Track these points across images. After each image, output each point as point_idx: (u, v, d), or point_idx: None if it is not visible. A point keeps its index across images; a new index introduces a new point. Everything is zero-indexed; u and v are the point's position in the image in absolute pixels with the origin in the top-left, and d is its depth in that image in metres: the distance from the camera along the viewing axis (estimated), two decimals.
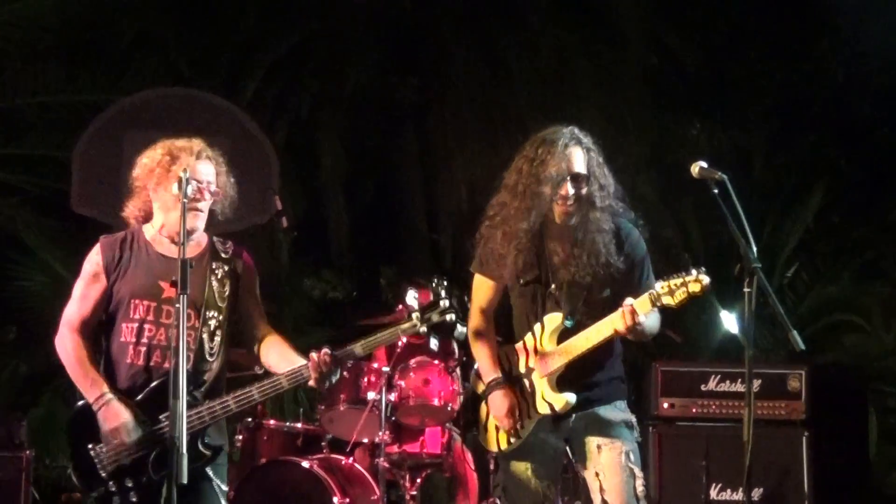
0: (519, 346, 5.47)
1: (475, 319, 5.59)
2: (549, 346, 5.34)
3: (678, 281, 5.05)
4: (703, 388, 7.96)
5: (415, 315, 4.96)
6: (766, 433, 7.36)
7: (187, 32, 12.29)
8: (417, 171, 12.90)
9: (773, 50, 12.76)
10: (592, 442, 5.34)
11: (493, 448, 5.52)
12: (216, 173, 5.22)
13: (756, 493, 7.60)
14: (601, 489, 5.29)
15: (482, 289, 5.57)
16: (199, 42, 12.32)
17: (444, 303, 4.94)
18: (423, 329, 4.96)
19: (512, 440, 5.41)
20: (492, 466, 8.39)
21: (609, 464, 5.30)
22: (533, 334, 5.40)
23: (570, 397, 5.27)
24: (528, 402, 5.38)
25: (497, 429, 5.46)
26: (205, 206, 5.14)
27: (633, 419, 5.48)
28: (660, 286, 5.07)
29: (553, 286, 5.35)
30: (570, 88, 12.53)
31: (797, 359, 8.07)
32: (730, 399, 7.88)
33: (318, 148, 12.63)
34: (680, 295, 5.05)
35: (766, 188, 12.37)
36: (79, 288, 5.21)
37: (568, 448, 5.50)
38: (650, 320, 5.21)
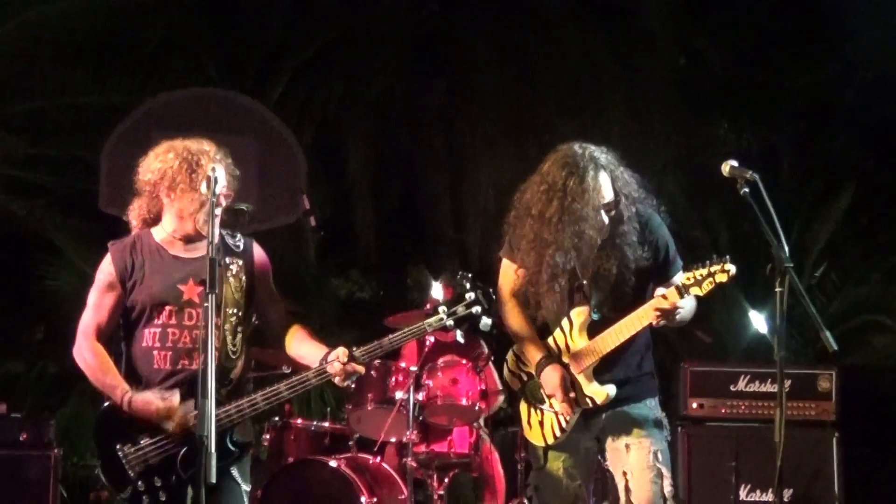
0: (549, 340, 5.45)
1: (508, 305, 5.57)
2: (579, 341, 5.35)
3: (703, 272, 5.09)
4: (732, 388, 7.93)
5: (441, 309, 4.95)
6: (796, 434, 7.31)
7: (215, 35, 12.31)
8: (444, 172, 12.89)
9: (801, 50, 12.71)
10: (621, 441, 5.35)
11: (539, 442, 5.49)
12: (229, 181, 5.19)
13: (786, 494, 7.58)
14: (627, 488, 5.31)
15: (508, 273, 5.58)
16: (226, 44, 12.34)
17: (470, 295, 4.92)
18: (450, 322, 4.93)
19: (558, 434, 5.40)
20: (520, 467, 8.40)
21: (637, 463, 5.31)
22: (562, 330, 5.40)
23: (611, 389, 5.30)
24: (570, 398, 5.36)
25: (542, 423, 5.46)
26: (220, 210, 5.07)
27: (664, 418, 5.49)
28: (685, 277, 5.09)
29: (581, 276, 5.35)
30: (597, 90, 12.50)
31: (826, 359, 8.04)
32: (759, 400, 7.85)
33: (346, 149, 12.64)
34: (707, 286, 5.09)
35: (794, 189, 12.31)
36: (93, 297, 5.22)
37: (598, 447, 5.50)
38: (687, 304, 5.21)
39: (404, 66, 12.75)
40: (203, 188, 5.02)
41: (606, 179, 5.29)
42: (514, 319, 5.55)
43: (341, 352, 4.99)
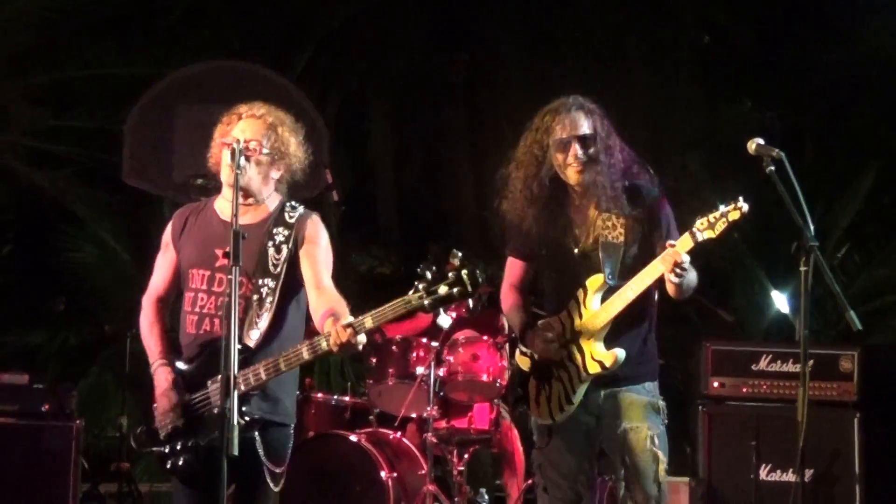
0: (563, 314, 5.40)
1: (507, 294, 5.64)
2: (593, 306, 5.31)
3: (717, 213, 5.02)
4: (753, 367, 7.89)
5: (421, 286, 4.62)
6: (818, 414, 7.25)
7: (238, 6, 12.30)
8: (466, 147, 12.88)
9: (825, 28, 12.63)
10: (619, 425, 5.32)
11: (547, 419, 5.44)
12: (267, 134, 5.11)
13: (806, 475, 7.56)
14: (625, 471, 5.31)
15: (512, 268, 5.64)
16: (249, 16, 12.33)
17: (452, 275, 4.60)
18: (428, 302, 4.60)
19: (565, 406, 5.35)
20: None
21: (633, 447, 5.30)
22: (576, 300, 5.35)
23: (620, 353, 5.24)
24: (578, 366, 5.32)
25: (549, 399, 5.42)
26: (248, 164, 4.98)
27: (661, 402, 5.44)
28: (698, 222, 5.03)
29: (577, 249, 5.36)
30: (621, 66, 12.47)
31: (848, 340, 8.01)
32: (781, 379, 7.81)
33: (368, 123, 12.63)
34: (720, 226, 5.02)
35: (817, 169, 12.26)
36: (157, 259, 5.31)
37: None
38: (690, 272, 5.15)
39: (427, 39, 12.74)
40: (227, 157, 5.00)
41: (584, 116, 5.34)
42: (507, 304, 5.64)
43: (341, 325, 4.78)
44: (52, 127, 11.26)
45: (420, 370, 8.09)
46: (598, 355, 5.28)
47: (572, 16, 12.61)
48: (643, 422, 5.31)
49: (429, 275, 4.63)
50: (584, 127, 5.32)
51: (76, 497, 7.86)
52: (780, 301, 10.69)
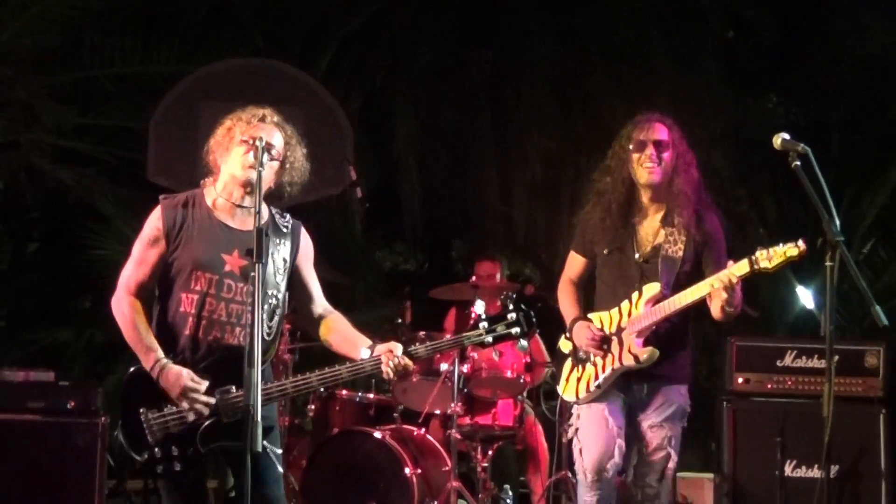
0: (614, 311, 5.84)
1: (564, 286, 6.14)
2: (642, 309, 5.73)
3: (777, 248, 5.34)
4: (778, 363, 7.87)
5: (482, 325, 5.02)
6: (843, 410, 7.19)
7: (262, 4, 12.31)
8: (491, 144, 12.84)
9: (851, 23, 12.57)
10: (645, 422, 5.83)
11: (571, 397, 5.93)
12: (283, 141, 5.16)
13: (832, 471, 7.52)
14: (639, 460, 5.86)
15: (573, 263, 6.13)
16: (274, 14, 12.34)
17: (511, 316, 5.01)
18: (489, 339, 5.02)
19: (591, 388, 5.80)
20: (564, 439, 8.40)
21: (652, 443, 5.82)
22: (630, 301, 5.78)
23: (654, 351, 5.70)
24: (614, 355, 5.76)
25: (579, 379, 5.86)
26: (266, 166, 5.01)
27: (689, 406, 5.93)
28: (758, 253, 5.37)
29: (637, 255, 5.81)
30: (646, 62, 12.42)
31: (873, 335, 7.98)
32: (806, 375, 7.79)
33: (393, 120, 12.62)
34: (777, 259, 5.32)
35: (844, 164, 12.20)
36: (137, 250, 5.17)
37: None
38: (736, 296, 5.57)
39: (452, 36, 12.70)
40: (250, 157, 5.01)
41: (663, 127, 5.86)
42: (562, 296, 6.12)
43: (394, 346, 5.00)
44: (77, 125, 11.27)
45: (444, 367, 8.12)
46: (635, 350, 5.70)
47: (597, 13, 12.57)
48: (667, 422, 5.81)
49: (482, 310, 5.21)
50: (662, 134, 5.82)
51: (102, 493, 7.88)
52: (806, 297, 10.64)
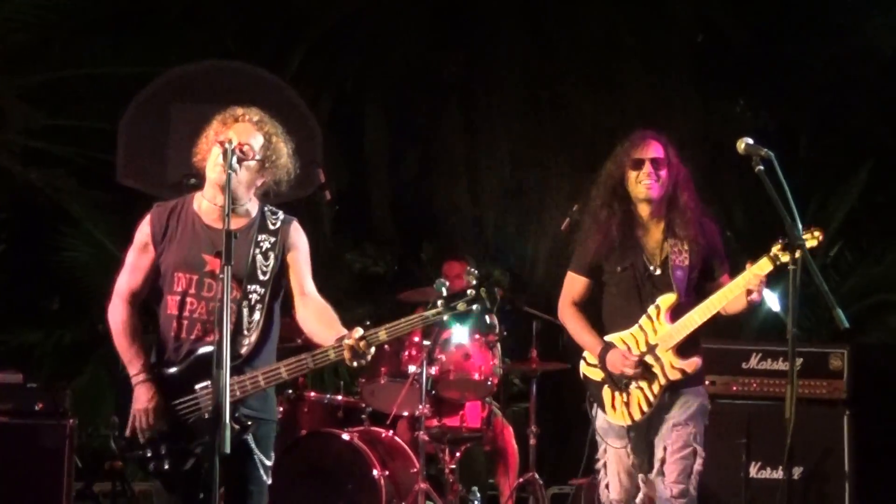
0: (635, 330, 5.83)
1: (569, 311, 6.08)
2: (666, 323, 5.76)
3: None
4: (744, 365, 7.95)
5: (440, 302, 4.86)
6: (808, 412, 7.33)
7: (233, 6, 12.30)
8: (460, 146, 12.87)
9: (819, 27, 12.63)
10: (669, 421, 5.82)
11: (625, 421, 5.86)
12: (262, 142, 5.14)
13: (796, 472, 7.59)
14: (663, 460, 5.81)
15: (575, 285, 6.06)
16: (244, 15, 12.33)
17: (471, 292, 4.84)
18: (447, 317, 4.85)
19: (645, 409, 5.80)
20: (532, 442, 8.44)
21: (677, 442, 5.80)
22: (649, 317, 5.80)
23: (699, 361, 5.78)
24: (657, 374, 5.78)
25: (627, 404, 5.84)
26: (239, 167, 4.99)
27: (709, 404, 5.97)
28: (776, 247, 5.47)
29: (652, 267, 5.85)
30: (616, 65, 12.47)
31: (838, 338, 8.04)
32: (771, 377, 7.86)
33: (362, 122, 12.63)
34: (796, 252, 5.28)
35: (811, 167, 12.27)
36: (130, 258, 5.19)
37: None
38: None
39: (422, 38, 12.72)
40: (215, 154, 5.03)
41: (658, 144, 5.90)
42: (573, 322, 6.05)
43: (356, 330, 4.96)
44: (47, 126, 11.25)
45: (412, 369, 8.13)
46: (678, 364, 5.76)
47: (567, 16, 12.60)
48: (691, 421, 5.81)
49: (444, 290, 4.88)
50: (658, 152, 5.87)
51: (70, 496, 7.88)
52: (772, 300, 10.64)
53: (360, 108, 12.72)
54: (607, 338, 5.89)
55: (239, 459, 4.84)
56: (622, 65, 12.45)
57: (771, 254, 5.47)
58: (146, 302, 5.22)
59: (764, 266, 5.52)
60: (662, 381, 5.76)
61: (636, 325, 5.82)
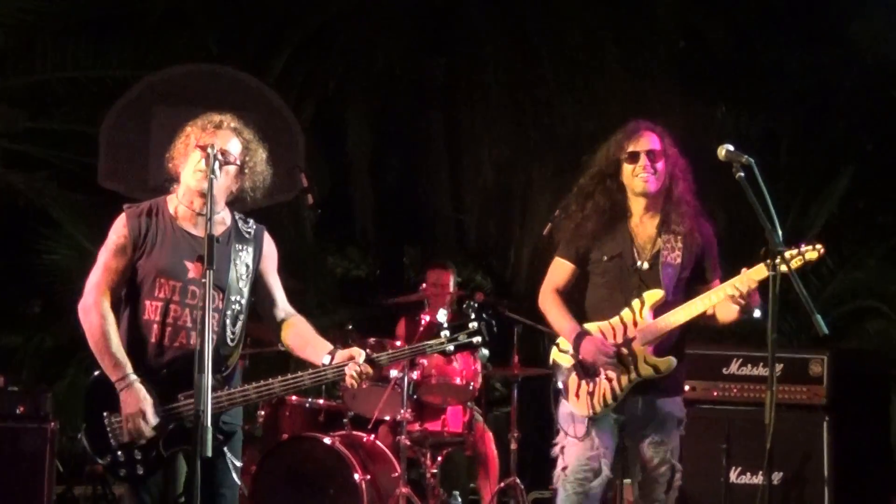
0: (614, 321, 5.70)
1: (550, 296, 5.90)
2: (647, 318, 5.63)
3: (794, 251, 5.36)
4: (724, 371, 7.97)
5: (444, 334, 5.06)
6: (787, 417, 7.34)
7: (216, 9, 12.30)
8: (444, 150, 12.88)
9: (802, 33, 12.67)
10: (646, 439, 5.73)
11: (585, 412, 5.71)
12: (241, 148, 5.15)
13: (776, 477, 7.60)
14: (644, 477, 5.76)
15: (560, 270, 5.92)
16: (227, 19, 12.32)
17: (473, 325, 5.05)
18: (450, 348, 5.08)
19: (610, 401, 5.66)
20: (513, 447, 8.45)
21: (655, 459, 5.74)
22: (631, 309, 5.67)
23: (672, 360, 5.62)
24: (629, 367, 5.63)
25: (591, 394, 5.70)
26: (220, 173, 4.99)
27: (685, 416, 5.88)
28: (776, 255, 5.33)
29: (639, 262, 5.71)
30: (598, 70, 12.48)
31: (819, 344, 8.07)
32: (751, 383, 7.88)
33: (345, 126, 12.64)
34: (796, 263, 5.32)
35: (793, 173, 12.30)
36: (104, 257, 5.13)
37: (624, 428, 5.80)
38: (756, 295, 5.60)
39: (405, 43, 12.73)
40: (195, 159, 5.04)
41: (655, 136, 5.80)
42: (554, 308, 5.87)
43: (357, 352, 5.02)
44: (28, 129, 11.23)
45: (394, 373, 8.13)
46: (651, 360, 5.62)
47: (550, 20, 12.62)
48: (668, 436, 5.74)
49: (444, 319, 5.04)
50: (654, 144, 5.75)
51: (50, 499, 7.88)
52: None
53: (342, 111, 12.72)
54: (585, 326, 5.75)
55: (212, 463, 4.84)
56: (604, 70, 12.46)
57: (769, 261, 5.29)
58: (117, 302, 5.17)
59: (758, 272, 5.40)
60: (633, 375, 5.61)
61: (616, 316, 5.69)
